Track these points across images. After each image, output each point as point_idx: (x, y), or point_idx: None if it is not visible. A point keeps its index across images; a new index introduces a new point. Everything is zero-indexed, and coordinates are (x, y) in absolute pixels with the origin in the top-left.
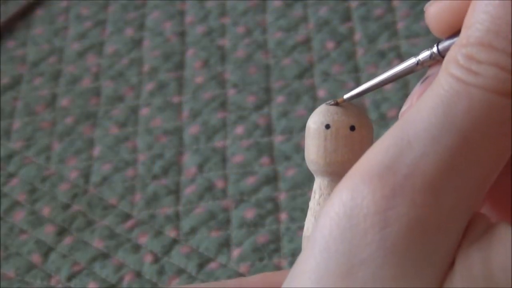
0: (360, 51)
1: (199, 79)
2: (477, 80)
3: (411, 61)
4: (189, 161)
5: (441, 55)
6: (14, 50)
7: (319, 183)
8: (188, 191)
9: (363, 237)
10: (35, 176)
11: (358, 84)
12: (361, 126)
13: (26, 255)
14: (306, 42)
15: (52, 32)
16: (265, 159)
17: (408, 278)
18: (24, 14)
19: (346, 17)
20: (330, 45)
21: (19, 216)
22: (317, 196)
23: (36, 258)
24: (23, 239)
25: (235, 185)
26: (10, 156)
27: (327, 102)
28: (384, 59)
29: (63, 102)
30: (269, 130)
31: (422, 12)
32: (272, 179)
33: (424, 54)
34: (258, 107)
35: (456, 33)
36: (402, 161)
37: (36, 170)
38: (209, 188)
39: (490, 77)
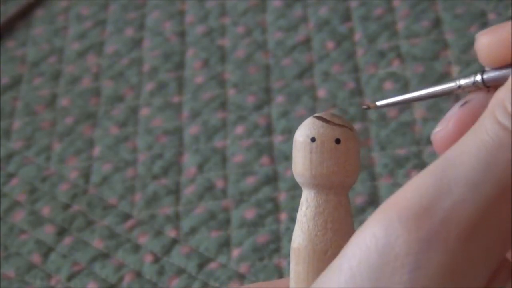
0: (360, 51)
1: (199, 79)
2: None
3: (452, 84)
4: (189, 161)
5: (485, 85)
6: (14, 50)
7: (306, 195)
8: (188, 191)
9: (391, 276)
10: (35, 176)
11: (358, 84)
12: (346, 139)
13: (26, 255)
14: (306, 42)
15: (52, 32)
16: (265, 159)
17: None
18: (24, 14)
19: (346, 17)
20: (330, 45)
21: (19, 216)
22: (304, 208)
23: (36, 258)
24: (23, 239)
25: (235, 185)
26: (10, 156)
27: (314, 115)
28: (384, 59)
29: (63, 102)
30: (269, 130)
31: (422, 12)
32: (272, 179)
33: (467, 80)
34: (258, 107)
35: (504, 65)
36: (440, 204)
37: (36, 170)
38: (209, 188)
39: None
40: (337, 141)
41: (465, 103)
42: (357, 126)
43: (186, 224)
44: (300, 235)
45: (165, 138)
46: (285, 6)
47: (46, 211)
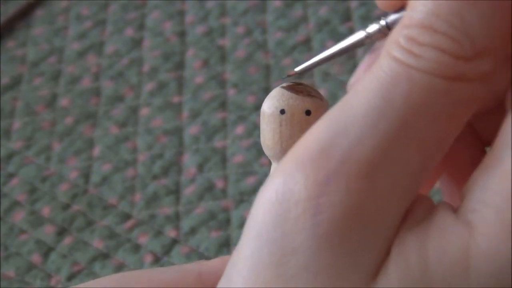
0: (360, 51)
1: (199, 79)
2: (418, 63)
3: (360, 34)
4: (189, 161)
5: (389, 29)
6: (14, 50)
7: (275, 168)
8: (188, 191)
9: (295, 224)
10: (35, 176)
11: None
12: (317, 110)
13: (26, 255)
14: (306, 42)
15: (52, 32)
16: (265, 159)
17: (342, 267)
18: (24, 14)
19: (346, 17)
20: (330, 45)
21: (19, 216)
22: None
23: (36, 258)
24: (23, 239)
25: (235, 185)
26: (10, 156)
27: (282, 85)
28: None
29: (63, 102)
30: None
31: None
32: None
33: (373, 27)
34: (258, 107)
35: (403, 7)
36: (337, 145)
37: (36, 170)
38: (209, 188)
39: (432, 59)
40: (307, 112)
41: (373, 50)
42: None
43: (186, 224)
44: None
45: (165, 138)
46: (285, 6)
47: (46, 211)
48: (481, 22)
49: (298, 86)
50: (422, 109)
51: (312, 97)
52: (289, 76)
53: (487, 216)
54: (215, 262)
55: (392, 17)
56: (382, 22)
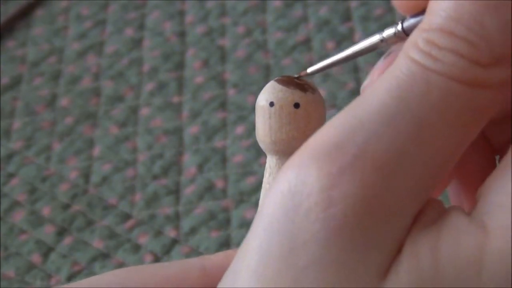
0: None
1: (199, 79)
2: (436, 66)
3: (375, 37)
4: (189, 161)
5: (406, 33)
6: (14, 50)
7: (269, 162)
8: (188, 191)
9: (306, 217)
10: (35, 176)
11: (358, 84)
12: (306, 103)
13: (26, 255)
14: (306, 42)
15: (52, 32)
16: (265, 159)
17: (352, 262)
18: (24, 14)
19: (346, 17)
20: (330, 45)
21: (19, 216)
22: (267, 175)
23: (36, 258)
24: (23, 239)
25: (235, 185)
26: (10, 156)
27: (276, 78)
28: None
29: (63, 102)
30: None
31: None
32: None
33: (389, 32)
34: None
35: (421, 11)
36: (353, 140)
37: (36, 170)
38: (209, 188)
39: (450, 63)
40: (296, 105)
41: (388, 54)
42: None
43: (186, 224)
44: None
45: (165, 138)
46: (285, 6)
47: (46, 211)
48: (501, 30)
49: (290, 80)
50: (438, 111)
51: (304, 91)
52: (300, 76)
53: (501, 218)
54: (219, 257)
55: (409, 22)
56: (399, 27)
